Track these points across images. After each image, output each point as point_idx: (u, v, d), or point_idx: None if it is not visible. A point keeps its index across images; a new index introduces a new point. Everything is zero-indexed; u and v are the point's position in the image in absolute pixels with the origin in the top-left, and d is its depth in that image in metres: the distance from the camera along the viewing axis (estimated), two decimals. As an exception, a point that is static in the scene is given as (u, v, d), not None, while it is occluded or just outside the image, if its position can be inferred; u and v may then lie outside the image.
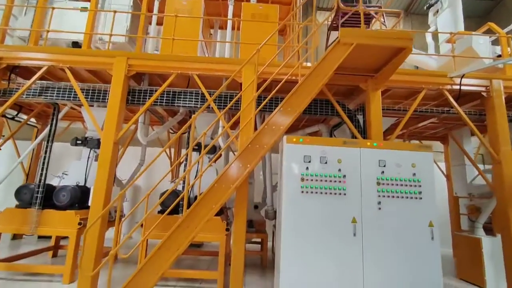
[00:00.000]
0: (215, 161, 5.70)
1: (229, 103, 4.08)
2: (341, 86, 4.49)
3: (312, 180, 2.99)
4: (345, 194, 2.99)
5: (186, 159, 4.89)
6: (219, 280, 4.08)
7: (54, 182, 5.22)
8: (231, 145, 7.79)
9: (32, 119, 7.99)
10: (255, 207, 6.08)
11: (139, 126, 4.82)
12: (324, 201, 2.95)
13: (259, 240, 6.04)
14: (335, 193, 2.97)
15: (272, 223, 6.61)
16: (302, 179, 2.98)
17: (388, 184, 3.00)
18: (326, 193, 2.97)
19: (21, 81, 4.34)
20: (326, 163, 3.04)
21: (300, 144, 3.06)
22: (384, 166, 3.06)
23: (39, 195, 4.26)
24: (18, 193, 4.37)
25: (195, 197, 4.64)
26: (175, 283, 4.28)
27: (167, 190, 4.60)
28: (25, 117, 7.90)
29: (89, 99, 4.25)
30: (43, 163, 4.40)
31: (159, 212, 4.55)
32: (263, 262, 5.70)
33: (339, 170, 3.03)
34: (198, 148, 5.41)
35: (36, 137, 6.96)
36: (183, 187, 4.63)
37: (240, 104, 4.22)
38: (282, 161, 3.16)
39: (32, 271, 4.14)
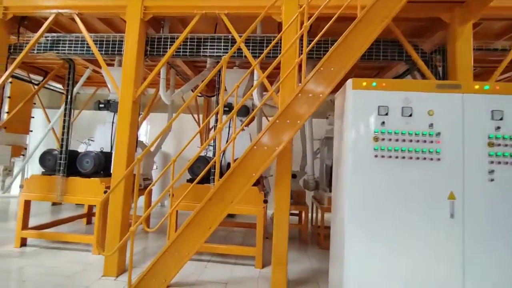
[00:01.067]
0: (247, 124, 5.04)
1: (266, 49, 3.25)
2: (412, 21, 3.41)
3: (390, 139, 2.16)
4: (438, 159, 2.12)
5: (217, 123, 4.24)
6: (257, 257, 3.58)
7: (81, 148, 4.94)
8: (264, 110, 7.03)
9: (60, 86, 7.83)
10: (293, 177, 5.41)
11: (161, 83, 4.21)
12: (407, 169, 2.12)
13: (296, 212, 5.49)
14: (424, 158, 2.12)
15: (311, 194, 5.97)
16: (376, 139, 2.16)
17: (506, 145, 2.08)
18: (410, 157, 2.13)
19: (31, 35, 3.85)
20: (410, 115, 2.17)
21: (373, 90, 2.20)
22: (501, 119, 2.12)
23: (62, 162, 3.95)
24: (42, 159, 4.10)
25: (228, 165, 4.06)
26: (209, 257, 3.88)
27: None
28: (54, 84, 7.75)
29: (103, 52, 3.66)
30: (64, 127, 4.03)
31: (188, 180, 4.06)
32: (302, 236, 5.16)
33: (431, 125, 2.15)
34: (228, 110, 4.73)
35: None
36: (214, 154, 4.05)
37: (280, 49, 3.38)
38: (345, 114, 2.33)
39: (61, 239, 3.96)
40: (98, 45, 3.66)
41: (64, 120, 4.04)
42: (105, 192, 3.85)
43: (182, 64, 5.15)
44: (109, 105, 4.93)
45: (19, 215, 3.93)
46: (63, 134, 4.01)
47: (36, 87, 7.04)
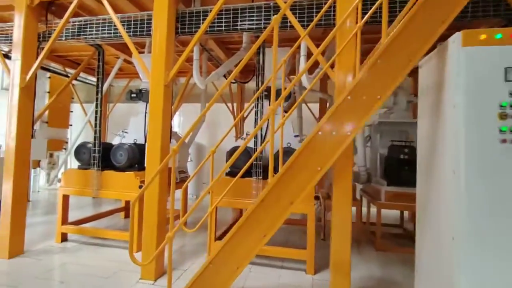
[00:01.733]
0: (286, 111, 4.50)
1: (316, 16, 2.65)
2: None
3: (525, 116, 1.49)
4: None
5: (256, 112, 3.75)
6: (309, 261, 3.10)
7: (116, 141, 4.77)
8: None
9: (94, 79, 7.86)
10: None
11: (195, 65, 3.80)
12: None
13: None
14: None
15: (360, 187, 5.32)
16: (502, 116, 1.51)
17: None
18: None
19: (58, 21, 3.63)
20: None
21: (497, 45, 1.52)
22: None
23: (96, 155, 3.75)
24: (77, 152, 3.95)
25: (260, 158, 3.57)
26: (253, 259, 3.48)
27: (233, 148, 3.65)
28: (90, 78, 7.80)
29: (131, 33, 3.32)
30: (96, 118, 3.82)
31: (227, 174, 3.66)
32: (353, 235, 4.56)
33: None
34: (267, 94, 4.22)
35: (99, 97, 6.69)
36: (257, 144, 3.59)
37: (334, 18, 2.78)
38: (446, 84, 1.69)
39: (99, 235, 3.81)
40: (125, 26, 3.33)
41: (96, 111, 3.82)
42: (140, 186, 3.60)
43: (215, 47, 4.72)
44: (141, 95, 4.67)
45: (59, 210, 3.85)
46: (95, 126, 3.81)
47: (72, 81, 7.11)
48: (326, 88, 6.25)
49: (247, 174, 3.45)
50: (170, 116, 3.14)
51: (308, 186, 1.82)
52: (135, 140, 4.28)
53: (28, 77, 3.38)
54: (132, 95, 4.69)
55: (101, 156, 3.78)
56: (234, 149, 3.44)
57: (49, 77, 6.66)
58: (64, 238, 3.90)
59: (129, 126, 4.85)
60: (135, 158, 3.86)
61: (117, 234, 3.73)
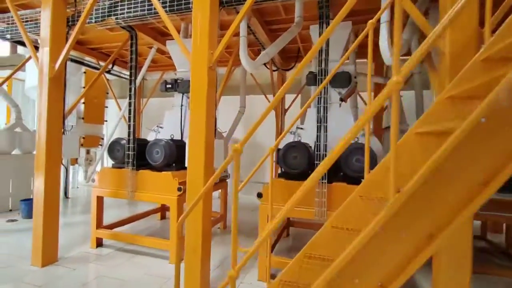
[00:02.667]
0: (347, 98, 3.77)
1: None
2: None
3: None
4: None
5: (318, 99, 3.08)
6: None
7: (151, 137, 4.38)
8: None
9: (128, 73, 7.65)
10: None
11: (242, 43, 3.20)
12: None
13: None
14: None
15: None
16: None
17: None
18: None
19: (87, 1, 3.24)
20: None
21: None
22: None
23: (130, 153, 3.34)
24: (111, 150, 3.58)
25: (324, 156, 2.90)
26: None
27: (288, 145, 3.02)
28: (124, 72, 7.60)
29: (167, 8, 2.81)
30: (129, 111, 3.40)
31: (280, 175, 3.05)
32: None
33: None
34: (313, 78, 3.52)
35: (132, 91, 6.40)
36: (318, 140, 2.94)
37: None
38: None
39: (136, 242, 3.42)
40: (161, 1, 2.82)
41: (130, 103, 3.40)
42: (179, 189, 3.13)
43: (258, 28, 4.10)
44: (177, 85, 4.22)
45: (93, 213, 3.52)
46: (129, 120, 3.39)
47: (107, 75, 6.94)
48: (382, 72, 5.37)
49: (303, 176, 2.82)
50: (215, 104, 2.59)
51: (470, 209, 1.08)
52: (172, 136, 3.83)
53: (57, 65, 3.02)
54: (167, 86, 4.25)
55: (136, 154, 3.37)
56: (289, 147, 2.82)
57: (85, 72, 6.52)
58: (99, 243, 3.57)
59: (164, 120, 4.44)
60: (173, 156, 3.39)
61: (154, 242, 3.31)
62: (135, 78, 3.38)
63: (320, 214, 2.65)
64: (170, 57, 6.26)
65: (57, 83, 3.10)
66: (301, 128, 3.71)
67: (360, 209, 1.82)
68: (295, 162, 2.79)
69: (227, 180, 4.66)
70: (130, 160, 3.33)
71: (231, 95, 7.03)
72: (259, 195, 2.86)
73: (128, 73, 7.10)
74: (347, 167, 2.65)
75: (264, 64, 5.57)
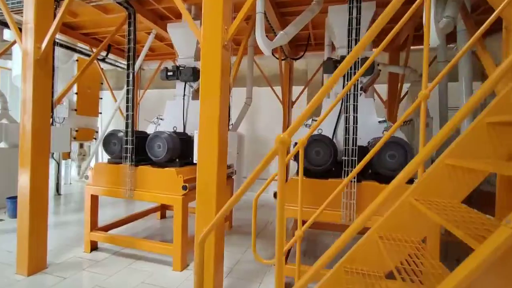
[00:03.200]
0: (367, 88, 3.44)
1: None
2: None
3: None
4: None
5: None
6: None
7: (150, 129, 4.01)
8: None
9: (124, 62, 7.20)
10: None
11: (258, 20, 2.82)
12: None
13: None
14: None
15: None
16: None
17: None
18: None
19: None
20: None
21: None
22: None
23: (129, 147, 2.98)
24: (107, 143, 3.21)
25: (354, 151, 2.56)
26: None
27: (313, 138, 2.69)
28: (122, 61, 7.14)
29: (172, -22, 2.42)
30: (127, 99, 3.02)
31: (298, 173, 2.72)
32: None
33: None
34: (332, 65, 3.17)
35: (129, 81, 5.97)
36: (347, 133, 2.60)
37: None
38: None
39: (135, 247, 3.07)
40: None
41: (128, 91, 3.02)
42: (183, 187, 2.78)
43: (269, 10, 3.72)
44: (179, 73, 3.84)
45: (87, 213, 3.16)
46: (127, 110, 3.02)
47: (102, 64, 6.50)
48: (399, 61, 5.03)
49: (324, 174, 2.49)
50: (229, 89, 2.23)
51: None
52: (175, 128, 3.47)
53: (43, 45, 2.62)
54: (169, 74, 3.86)
55: (135, 148, 3.00)
56: (312, 140, 2.48)
57: (77, 60, 6.07)
58: (94, 246, 3.23)
59: (165, 111, 4.06)
60: (176, 150, 3.04)
61: (155, 246, 2.97)
62: (134, 62, 2.99)
63: (347, 218, 2.33)
64: (169, 44, 5.85)
65: (44, 67, 2.71)
66: (316, 120, 3.37)
67: (415, 216, 1.50)
68: (318, 158, 2.45)
69: (232, 177, 4.32)
70: (128, 154, 2.97)
71: (234, 87, 6.67)
72: (276, 195, 2.52)
73: (124, 62, 6.66)
74: (379, 164, 2.33)
75: (272, 53, 5.21)
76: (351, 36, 2.38)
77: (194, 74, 3.76)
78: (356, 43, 2.37)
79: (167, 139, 2.94)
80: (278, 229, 1.09)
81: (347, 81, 3.05)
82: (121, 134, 3.17)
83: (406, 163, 2.31)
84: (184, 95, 3.89)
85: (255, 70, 6.80)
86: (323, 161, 2.44)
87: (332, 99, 3.51)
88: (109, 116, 5.94)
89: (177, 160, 3.07)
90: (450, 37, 3.85)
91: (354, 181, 2.28)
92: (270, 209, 5.53)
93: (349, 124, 2.39)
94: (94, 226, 3.21)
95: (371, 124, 3.13)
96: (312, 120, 3.39)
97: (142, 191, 2.96)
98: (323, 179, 2.46)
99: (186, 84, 3.88)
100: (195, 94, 4.00)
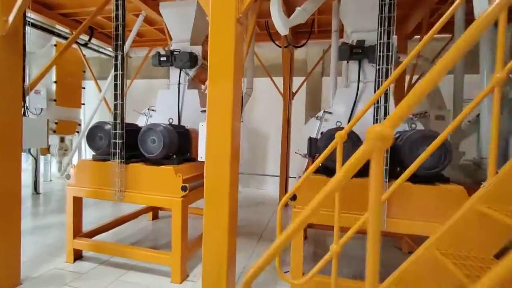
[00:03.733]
0: (390, 84, 3.16)
1: None
2: None
3: None
4: None
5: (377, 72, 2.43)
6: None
7: (141, 122, 3.59)
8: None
9: (110, 49, 6.62)
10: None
11: None
12: None
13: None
14: None
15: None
16: None
17: None
18: None
19: None
20: None
21: None
22: None
23: (118, 141, 2.57)
24: (91, 137, 2.77)
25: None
26: None
27: (333, 130, 2.39)
28: (107, 48, 6.55)
29: None
30: (115, 86, 2.59)
31: (315, 172, 2.40)
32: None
33: None
34: (361, 52, 2.87)
35: (115, 69, 5.43)
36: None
37: None
38: None
39: (125, 256, 2.69)
40: None
41: (116, 77, 2.58)
42: (183, 188, 2.41)
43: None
44: (173, 58, 3.41)
45: (68, 219, 2.74)
46: (115, 99, 2.59)
47: (85, 51, 5.92)
48: (407, 49, 4.77)
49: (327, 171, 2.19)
50: (242, 73, 1.85)
51: None
52: (171, 120, 3.07)
53: (10, 19, 2.16)
54: (161, 59, 3.43)
55: (125, 143, 2.60)
56: (334, 132, 2.16)
57: (55, 45, 5.46)
58: (77, 255, 2.82)
59: (157, 101, 3.64)
60: (173, 145, 2.65)
61: (150, 255, 2.59)
62: (123, 43, 2.55)
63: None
64: (160, 29, 5.37)
65: (12, 45, 2.24)
66: (329, 113, 3.07)
67: (485, 226, 1.21)
68: (333, 155, 2.14)
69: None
70: (117, 150, 2.56)
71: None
72: (294, 198, 2.20)
73: (110, 49, 6.10)
74: (412, 161, 2.04)
75: (273, 40, 4.83)
76: (384, 13, 2.05)
77: (191, 59, 3.36)
78: (389, 21, 2.05)
79: (163, 132, 2.54)
80: (370, 253, 0.76)
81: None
82: (108, 127, 2.74)
83: (446, 161, 2.04)
84: (179, 83, 3.49)
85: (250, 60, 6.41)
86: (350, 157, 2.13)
87: (345, 87, 3.22)
88: (93, 107, 5.43)
89: (174, 156, 2.69)
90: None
91: (386, 181, 1.98)
92: (268, 206, 5.23)
93: (379, 115, 2.08)
94: (77, 232, 2.80)
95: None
96: (324, 112, 3.08)
97: (134, 192, 2.57)
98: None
99: (182, 71, 3.47)
100: (192, 83, 3.60)
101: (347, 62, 3.29)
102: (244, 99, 4.13)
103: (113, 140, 2.58)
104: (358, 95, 2.98)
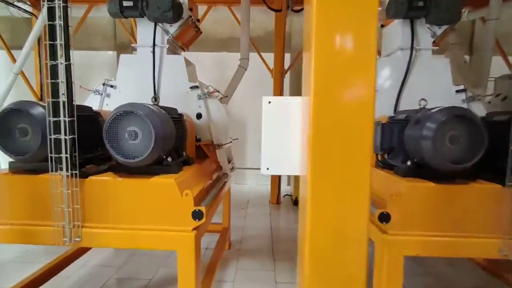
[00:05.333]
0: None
1: None
2: None
3: None
4: None
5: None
6: None
7: (91, 103, 2.32)
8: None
9: (23, 7, 4.72)
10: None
11: None
12: None
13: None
14: None
15: None
16: None
17: None
18: None
19: None
20: None
21: None
22: None
23: (62, 136, 1.37)
24: (4, 131, 1.49)
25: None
26: None
27: (398, 116, 1.59)
28: (19, 4, 4.67)
29: None
30: (50, 32, 1.35)
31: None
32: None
33: None
34: (406, 4, 2.15)
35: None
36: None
37: None
38: None
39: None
40: None
41: (51, 14, 1.34)
42: (196, 215, 1.38)
43: None
44: (145, 4, 2.19)
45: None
46: (52, 57, 1.36)
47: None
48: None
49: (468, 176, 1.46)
50: None
51: None
52: (156, 99, 1.87)
53: None
54: (125, 4, 2.19)
55: (76, 139, 1.41)
56: (452, 117, 1.38)
57: None
58: None
59: (119, 73, 2.41)
60: (169, 141, 1.57)
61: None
62: (66, 18, 1.32)
63: (509, 247, 1.37)
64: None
65: None
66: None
67: None
68: (458, 149, 1.38)
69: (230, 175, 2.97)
70: (62, 154, 1.36)
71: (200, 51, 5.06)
72: (386, 218, 1.38)
73: (23, 7, 4.43)
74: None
75: (267, 4, 3.82)
76: None
77: (174, 9, 2.20)
78: None
79: (152, 118, 1.42)
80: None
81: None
82: (38, 111, 1.49)
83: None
84: (153, 45, 2.31)
85: (233, 30, 5.30)
86: (468, 153, 1.38)
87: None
88: (4, 85, 3.71)
89: (170, 159, 1.60)
90: None
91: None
92: (254, 206, 4.46)
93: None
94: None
95: (444, 92, 2.28)
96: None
97: (100, 228, 1.43)
98: (458, 184, 1.43)
99: (158, 26, 2.29)
100: (171, 46, 2.44)
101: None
102: (238, 73, 3.10)
103: (52, 136, 1.37)
104: (409, 65, 2.29)
